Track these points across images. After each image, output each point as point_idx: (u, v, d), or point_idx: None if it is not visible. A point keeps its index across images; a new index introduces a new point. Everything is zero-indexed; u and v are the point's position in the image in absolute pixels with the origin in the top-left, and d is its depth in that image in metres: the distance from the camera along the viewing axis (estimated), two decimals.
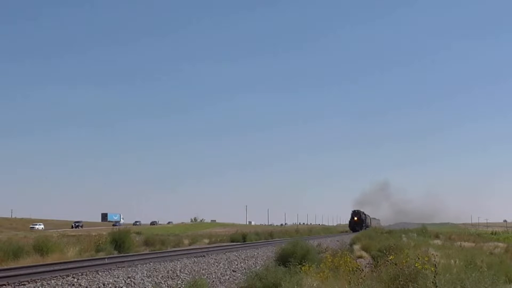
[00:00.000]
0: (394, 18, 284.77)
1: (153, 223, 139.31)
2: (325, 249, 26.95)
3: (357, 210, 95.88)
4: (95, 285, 12.06)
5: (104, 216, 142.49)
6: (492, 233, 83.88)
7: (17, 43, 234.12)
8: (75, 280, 12.28)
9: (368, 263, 20.03)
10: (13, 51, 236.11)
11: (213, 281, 15.71)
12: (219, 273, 17.02)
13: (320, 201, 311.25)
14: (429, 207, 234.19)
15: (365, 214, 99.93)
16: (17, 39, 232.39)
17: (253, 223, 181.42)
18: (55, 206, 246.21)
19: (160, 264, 16.29)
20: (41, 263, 18.37)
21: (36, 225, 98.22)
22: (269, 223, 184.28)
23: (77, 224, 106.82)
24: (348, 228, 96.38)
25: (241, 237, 44.16)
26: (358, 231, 79.35)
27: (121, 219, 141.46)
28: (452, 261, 15.35)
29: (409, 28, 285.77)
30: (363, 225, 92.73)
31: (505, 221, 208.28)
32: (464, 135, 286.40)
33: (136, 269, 14.80)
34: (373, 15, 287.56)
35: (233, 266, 18.80)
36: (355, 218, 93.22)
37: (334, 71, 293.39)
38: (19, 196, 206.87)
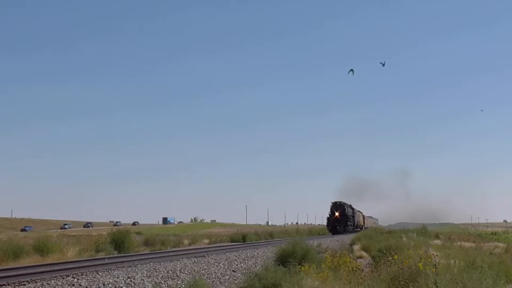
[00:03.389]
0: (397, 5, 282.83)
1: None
2: (325, 249, 26.92)
3: (339, 202, 67.08)
4: (95, 285, 12.05)
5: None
6: (492, 233, 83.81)
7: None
8: (75, 280, 12.28)
9: (368, 263, 20.02)
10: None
11: (213, 281, 15.70)
12: (219, 273, 17.01)
13: (321, 200, 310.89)
14: (442, 206, 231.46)
15: (352, 209, 72.23)
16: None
17: (270, 223, 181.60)
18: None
19: (160, 264, 16.28)
20: (41, 263, 18.38)
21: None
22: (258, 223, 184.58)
23: None
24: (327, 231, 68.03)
25: (241, 237, 44.25)
26: (340, 233, 60.94)
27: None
28: (452, 261, 15.33)
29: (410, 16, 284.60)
30: (349, 223, 67.17)
31: (505, 221, 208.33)
32: (464, 135, 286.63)
33: (136, 269, 14.79)
34: (372, 2, 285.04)
35: (233, 266, 18.79)
36: (336, 214, 64.48)
37: (333, 63, 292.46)
38: (20, 196, 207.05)
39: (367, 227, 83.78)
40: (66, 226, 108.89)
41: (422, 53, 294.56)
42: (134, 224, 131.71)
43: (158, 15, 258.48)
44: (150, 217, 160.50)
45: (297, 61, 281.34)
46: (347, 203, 70.28)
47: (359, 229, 75.54)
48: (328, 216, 66.67)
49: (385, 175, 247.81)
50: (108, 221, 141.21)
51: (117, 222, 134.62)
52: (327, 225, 66.89)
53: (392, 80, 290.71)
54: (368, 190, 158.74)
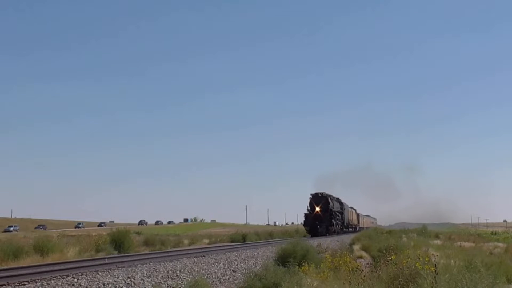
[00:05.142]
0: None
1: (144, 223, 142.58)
2: (325, 249, 26.93)
3: (322, 193, 49.59)
4: (95, 285, 12.06)
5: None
6: (492, 233, 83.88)
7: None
8: (75, 280, 12.28)
9: (368, 263, 20.02)
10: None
11: (213, 281, 15.70)
12: (219, 273, 17.01)
13: None
14: (447, 206, 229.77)
15: (340, 203, 56.34)
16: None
17: (277, 223, 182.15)
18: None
19: (160, 264, 16.28)
20: (41, 263, 18.38)
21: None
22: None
23: None
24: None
25: (241, 237, 44.29)
26: (323, 234, 45.81)
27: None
28: (452, 261, 15.35)
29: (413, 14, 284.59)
30: (334, 222, 50.26)
31: (505, 221, 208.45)
32: (463, 135, 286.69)
33: (136, 269, 14.79)
34: (372, 2, 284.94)
35: (233, 266, 18.79)
36: (317, 209, 47.91)
37: (333, 63, 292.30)
38: (20, 196, 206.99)
39: (362, 227, 74.94)
40: (11, 229, 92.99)
41: (422, 52, 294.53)
42: (100, 225, 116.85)
43: (158, 15, 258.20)
44: (150, 217, 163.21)
45: (297, 61, 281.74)
46: (333, 195, 53.17)
47: (351, 229, 63.08)
48: (306, 212, 49.27)
49: (392, 173, 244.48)
50: (105, 222, 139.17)
51: (79, 224, 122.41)
52: (305, 224, 49.60)
53: (392, 80, 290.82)
54: (383, 187, 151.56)
